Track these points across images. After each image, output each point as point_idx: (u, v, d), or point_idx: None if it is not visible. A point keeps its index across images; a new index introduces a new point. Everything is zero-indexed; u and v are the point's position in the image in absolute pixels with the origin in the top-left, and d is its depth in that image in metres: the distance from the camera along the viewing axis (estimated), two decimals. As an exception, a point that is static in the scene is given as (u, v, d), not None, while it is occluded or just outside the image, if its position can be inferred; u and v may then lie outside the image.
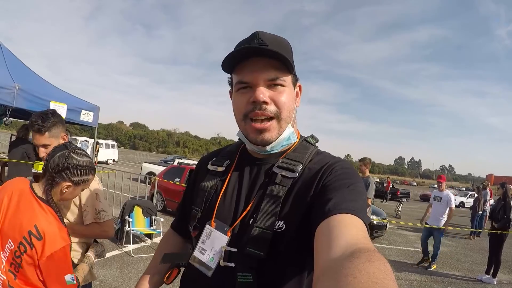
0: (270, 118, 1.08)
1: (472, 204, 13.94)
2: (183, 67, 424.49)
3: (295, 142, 1.20)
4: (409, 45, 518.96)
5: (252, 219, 1.06)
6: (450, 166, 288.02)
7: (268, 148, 1.12)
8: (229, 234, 1.09)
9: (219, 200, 1.17)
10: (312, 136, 1.27)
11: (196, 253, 1.14)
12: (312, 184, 1.04)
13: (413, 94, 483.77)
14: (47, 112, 2.38)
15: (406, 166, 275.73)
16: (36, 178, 6.76)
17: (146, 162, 21.27)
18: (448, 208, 7.90)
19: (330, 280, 0.60)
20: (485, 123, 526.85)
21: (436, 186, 8.92)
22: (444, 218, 7.96)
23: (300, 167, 1.08)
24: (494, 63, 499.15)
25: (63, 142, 2.28)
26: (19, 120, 10.49)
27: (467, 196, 34.39)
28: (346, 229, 0.79)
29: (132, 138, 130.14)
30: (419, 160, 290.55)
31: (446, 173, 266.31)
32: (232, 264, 1.04)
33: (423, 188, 78.29)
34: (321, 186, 1.01)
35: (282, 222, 1.02)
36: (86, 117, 7.53)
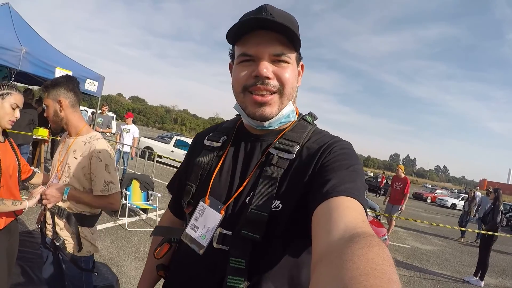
0: (272, 93, 1.04)
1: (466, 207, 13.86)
2: (187, 44, 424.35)
3: (293, 121, 1.17)
4: (419, 41, 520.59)
5: (248, 198, 1.04)
6: (444, 167, 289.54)
7: (266, 124, 1.08)
8: (223, 212, 1.06)
9: (214, 176, 1.14)
10: (310, 114, 1.24)
11: (188, 229, 1.12)
12: (310, 164, 1.02)
13: (417, 91, 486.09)
14: (61, 75, 2.41)
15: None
16: (34, 143, 6.79)
17: (143, 137, 21.18)
18: None
19: (328, 266, 0.59)
20: (484, 127, 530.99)
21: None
22: None
23: (297, 148, 1.06)
24: (501, 68, 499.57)
25: (59, 105, 2.27)
26: (19, 84, 10.44)
27: (459, 199, 34.60)
28: (345, 213, 0.77)
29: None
30: (414, 158, 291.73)
31: (440, 174, 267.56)
32: (226, 248, 1.01)
33: (416, 187, 78.44)
34: (320, 166, 0.99)
35: (279, 201, 1.00)
36: (90, 86, 7.48)
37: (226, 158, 1.17)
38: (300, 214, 0.95)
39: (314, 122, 1.21)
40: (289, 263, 1.03)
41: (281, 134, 1.13)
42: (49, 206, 2.21)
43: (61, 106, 2.26)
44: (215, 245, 1.03)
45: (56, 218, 2.25)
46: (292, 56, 1.06)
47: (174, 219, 1.43)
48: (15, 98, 2.27)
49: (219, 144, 1.21)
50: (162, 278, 1.32)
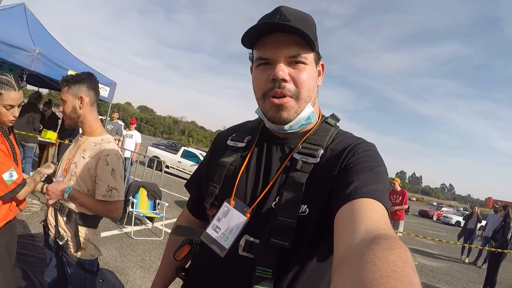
0: (288, 96, 1.03)
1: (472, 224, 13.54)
2: (199, 55, 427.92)
3: (316, 122, 1.16)
4: (430, 60, 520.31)
5: (274, 203, 1.03)
6: (450, 185, 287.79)
7: (286, 127, 1.07)
8: (248, 215, 1.05)
9: (239, 177, 1.12)
10: (333, 116, 1.22)
11: (209, 230, 1.10)
12: (335, 165, 1.01)
13: (426, 109, 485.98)
14: (83, 72, 2.36)
15: (407, 181, 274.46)
16: (42, 146, 6.76)
17: (151, 146, 21.19)
18: None
19: (350, 267, 0.59)
20: (492, 146, 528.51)
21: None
22: None
23: (321, 151, 1.05)
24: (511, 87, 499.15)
25: (79, 102, 2.23)
26: (30, 86, 10.54)
27: (464, 216, 34.57)
28: (367, 215, 0.77)
29: (138, 121, 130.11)
30: (420, 176, 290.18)
31: (445, 192, 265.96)
32: (252, 256, 0.99)
33: (422, 204, 78.20)
34: (343, 167, 0.98)
35: (306, 206, 0.99)
36: (102, 91, 7.49)
37: (251, 159, 1.16)
38: (326, 216, 0.94)
39: (337, 124, 1.20)
40: (315, 268, 1.02)
41: (304, 137, 1.12)
42: (50, 202, 2.19)
43: (81, 103, 2.22)
44: (240, 252, 1.01)
45: (58, 216, 2.21)
46: (309, 57, 1.05)
47: (192, 219, 1.42)
48: (8, 98, 2.14)
49: (243, 145, 1.20)
50: (181, 280, 1.30)
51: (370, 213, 0.77)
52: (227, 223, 1.07)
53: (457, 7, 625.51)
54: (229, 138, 1.24)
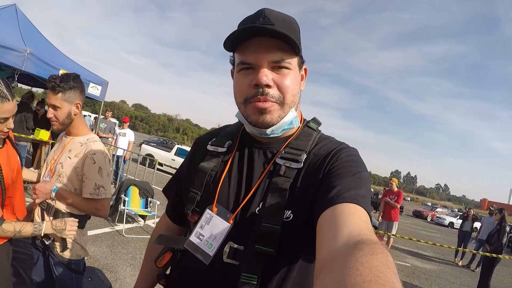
0: (272, 102, 1.01)
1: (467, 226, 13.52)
2: (192, 53, 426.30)
3: (298, 127, 1.15)
4: (425, 58, 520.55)
5: (258, 208, 1.02)
6: (445, 185, 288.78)
7: (268, 131, 1.05)
8: (231, 221, 1.03)
9: (220, 183, 1.10)
10: (314, 120, 1.21)
11: (192, 238, 1.08)
12: (319, 170, 1.00)
13: (422, 108, 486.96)
14: (70, 74, 2.26)
15: (401, 180, 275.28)
16: (35, 145, 6.67)
17: (144, 144, 21.12)
18: None
19: (332, 272, 0.59)
20: (487, 146, 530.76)
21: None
22: None
23: (304, 156, 1.04)
24: (509, 88, 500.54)
25: (75, 109, 2.21)
26: (23, 85, 10.50)
27: (457, 217, 34.58)
28: (349, 219, 0.77)
29: (133, 119, 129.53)
30: (415, 176, 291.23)
31: (440, 192, 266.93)
32: (236, 262, 0.99)
33: (416, 204, 78.34)
34: (326, 172, 0.98)
35: (290, 211, 0.98)
36: (93, 90, 7.52)
37: (233, 164, 1.14)
38: (311, 221, 0.93)
39: (319, 128, 1.19)
40: (300, 272, 1.02)
41: (287, 142, 1.11)
42: (37, 201, 2.19)
43: (77, 108, 2.22)
44: (225, 259, 1.00)
45: (45, 215, 2.21)
46: (293, 61, 1.04)
47: (171, 224, 1.40)
48: (1, 111, 1.86)
49: (224, 149, 1.17)
50: (162, 287, 1.28)
51: (352, 218, 0.78)
52: (210, 230, 1.05)
53: (453, 7, 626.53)
54: (209, 143, 1.22)
